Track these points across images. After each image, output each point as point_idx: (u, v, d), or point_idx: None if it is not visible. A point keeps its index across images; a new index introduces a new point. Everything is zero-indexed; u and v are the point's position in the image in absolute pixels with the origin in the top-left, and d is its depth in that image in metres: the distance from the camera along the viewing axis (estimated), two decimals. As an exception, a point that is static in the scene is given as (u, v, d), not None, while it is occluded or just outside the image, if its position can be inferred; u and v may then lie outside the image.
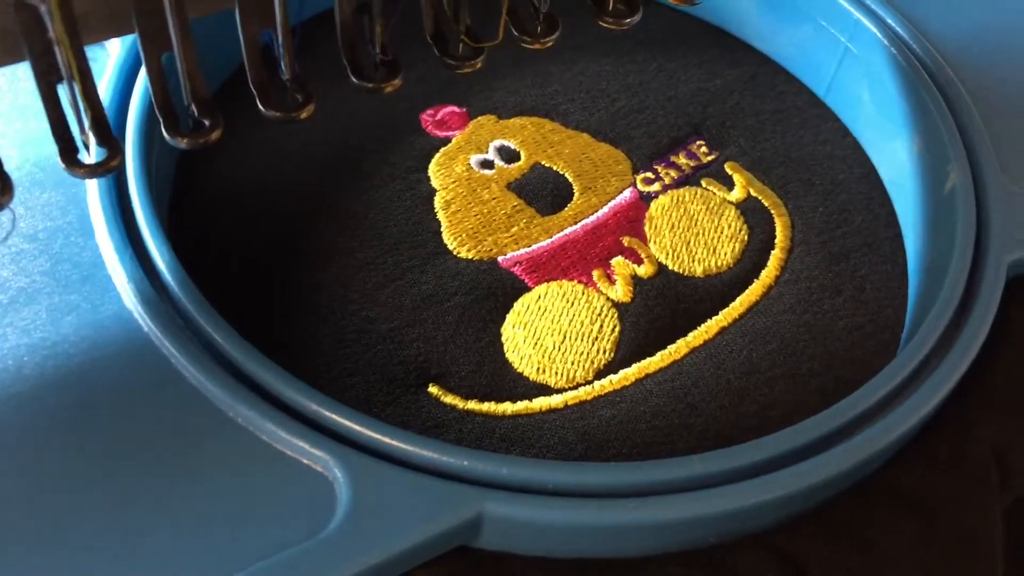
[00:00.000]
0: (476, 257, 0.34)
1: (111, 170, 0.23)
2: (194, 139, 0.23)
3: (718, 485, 0.26)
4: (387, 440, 0.25)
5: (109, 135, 0.23)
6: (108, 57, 0.34)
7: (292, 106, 0.24)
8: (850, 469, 0.26)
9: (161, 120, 0.23)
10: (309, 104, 0.24)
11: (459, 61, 0.26)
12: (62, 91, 0.22)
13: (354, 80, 0.25)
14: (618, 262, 0.34)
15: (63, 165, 0.23)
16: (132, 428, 0.26)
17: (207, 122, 0.24)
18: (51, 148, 0.31)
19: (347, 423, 0.25)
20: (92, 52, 0.34)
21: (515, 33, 0.26)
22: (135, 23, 0.22)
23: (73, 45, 0.20)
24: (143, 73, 0.33)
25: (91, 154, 0.23)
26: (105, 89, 0.33)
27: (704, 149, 0.38)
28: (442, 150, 0.37)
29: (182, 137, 0.23)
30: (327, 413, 0.26)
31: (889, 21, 0.38)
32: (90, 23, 0.22)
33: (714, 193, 0.37)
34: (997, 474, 0.28)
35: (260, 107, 0.24)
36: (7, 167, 0.31)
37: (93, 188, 0.30)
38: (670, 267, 0.34)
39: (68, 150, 0.23)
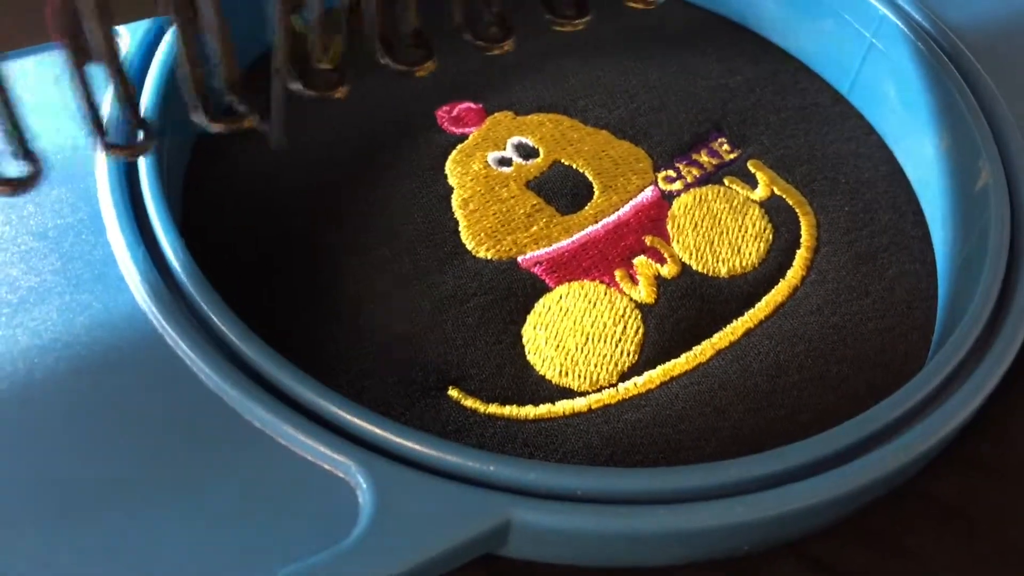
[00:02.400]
0: (495, 257, 0.33)
1: (147, 152, 0.22)
2: (229, 124, 0.23)
3: (752, 492, 0.25)
4: (411, 445, 0.24)
5: (140, 118, 0.22)
6: (121, 45, 0.33)
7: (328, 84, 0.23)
8: (887, 475, 0.26)
9: (197, 105, 0.23)
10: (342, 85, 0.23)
11: (491, 42, 0.25)
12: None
13: (386, 60, 0.24)
14: (640, 262, 0.33)
15: (101, 148, 0.22)
16: (146, 432, 0.25)
17: (240, 108, 0.23)
18: (60, 144, 0.31)
19: (370, 427, 0.25)
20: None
21: (548, 16, 0.25)
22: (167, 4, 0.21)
23: (104, 24, 0.20)
24: (155, 64, 0.32)
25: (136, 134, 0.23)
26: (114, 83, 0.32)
27: (726, 147, 0.38)
28: (459, 147, 0.36)
29: (217, 122, 0.23)
30: (349, 417, 0.25)
31: (915, 15, 0.37)
32: (121, 3, 0.21)
33: (737, 191, 0.36)
34: (1036, 480, 0.27)
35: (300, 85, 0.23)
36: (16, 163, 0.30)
37: (104, 184, 0.29)
38: (694, 267, 0.34)
39: (100, 132, 0.22)
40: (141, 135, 0.22)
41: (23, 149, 0.22)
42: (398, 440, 0.24)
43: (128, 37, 0.33)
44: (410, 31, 0.24)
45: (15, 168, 0.22)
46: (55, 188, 0.29)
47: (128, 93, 0.22)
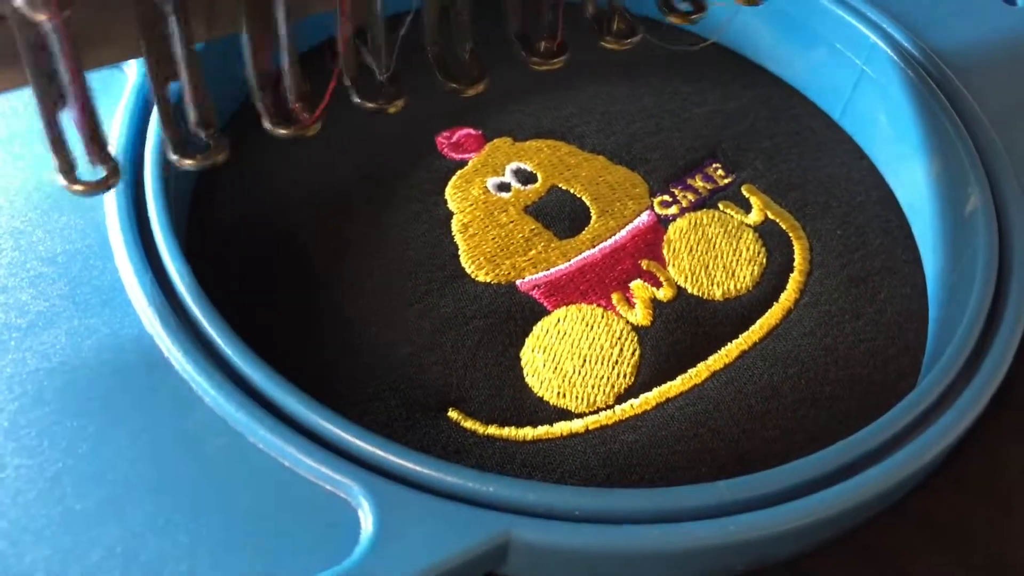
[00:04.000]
0: (494, 281, 0.34)
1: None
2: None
3: (746, 511, 0.25)
4: (412, 466, 0.25)
5: (108, 154, 0.23)
6: (127, 80, 0.34)
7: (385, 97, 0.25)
8: (880, 494, 0.26)
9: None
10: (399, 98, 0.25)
11: (544, 59, 0.26)
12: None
13: (357, 101, 0.25)
14: (637, 285, 0.34)
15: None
16: (152, 453, 0.25)
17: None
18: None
19: (372, 449, 0.25)
20: (110, 74, 0.34)
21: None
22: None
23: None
24: (161, 96, 0.33)
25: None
26: (123, 111, 0.32)
27: (720, 172, 0.38)
28: (459, 173, 0.37)
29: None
30: (351, 439, 0.25)
31: (905, 44, 0.38)
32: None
33: (732, 216, 0.37)
34: (1026, 499, 0.28)
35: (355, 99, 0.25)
36: (25, 189, 0.31)
37: (112, 211, 0.30)
38: (689, 290, 0.34)
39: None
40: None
41: (101, 153, 0.23)
42: (399, 461, 0.25)
43: (136, 67, 0.34)
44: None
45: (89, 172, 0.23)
46: (64, 215, 0.30)
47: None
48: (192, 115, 0.24)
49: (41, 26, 0.20)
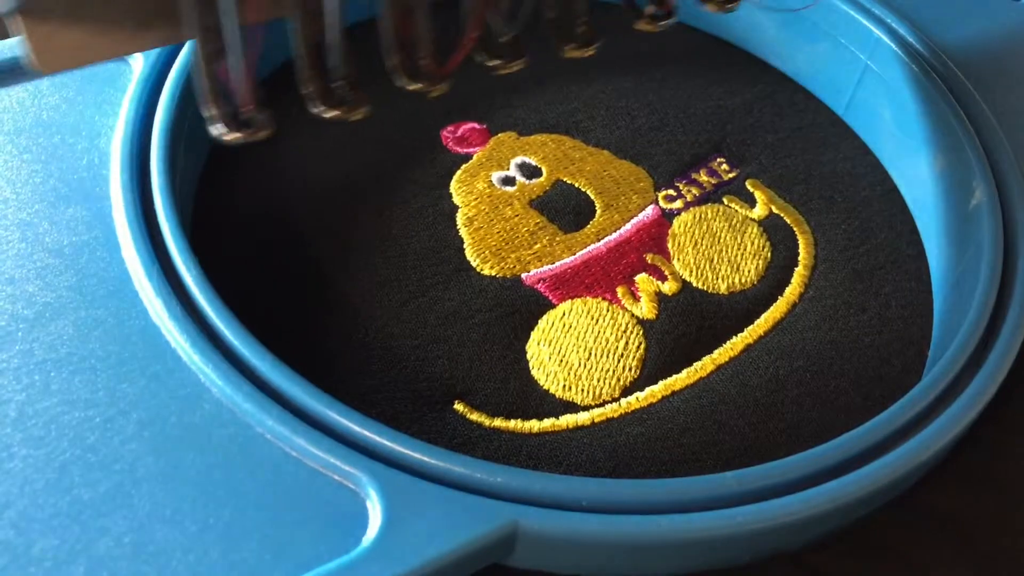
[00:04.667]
0: (499, 274, 0.34)
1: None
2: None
3: (752, 503, 0.25)
4: (420, 456, 0.25)
5: (262, 104, 0.25)
6: (132, 72, 0.34)
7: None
8: (885, 487, 0.26)
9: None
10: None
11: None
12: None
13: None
14: (642, 279, 0.34)
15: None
16: (159, 444, 0.25)
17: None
18: (76, 163, 0.31)
19: (379, 439, 0.25)
20: (116, 67, 0.34)
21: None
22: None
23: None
24: (167, 89, 0.33)
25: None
26: (128, 104, 0.32)
27: (725, 166, 0.38)
28: (463, 167, 0.37)
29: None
30: (359, 429, 0.25)
31: (909, 39, 0.38)
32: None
33: (736, 210, 0.37)
34: (1031, 492, 0.28)
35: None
36: (32, 181, 0.31)
37: (119, 203, 0.30)
38: (694, 284, 0.34)
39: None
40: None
41: (257, 103, 0.24)
42: (408, 451, 0.25)
43: (142, 61, 0.34)
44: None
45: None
46: (71, 207, 0.30)
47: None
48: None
49: None
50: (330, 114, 0.25)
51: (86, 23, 0.22)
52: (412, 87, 0.26)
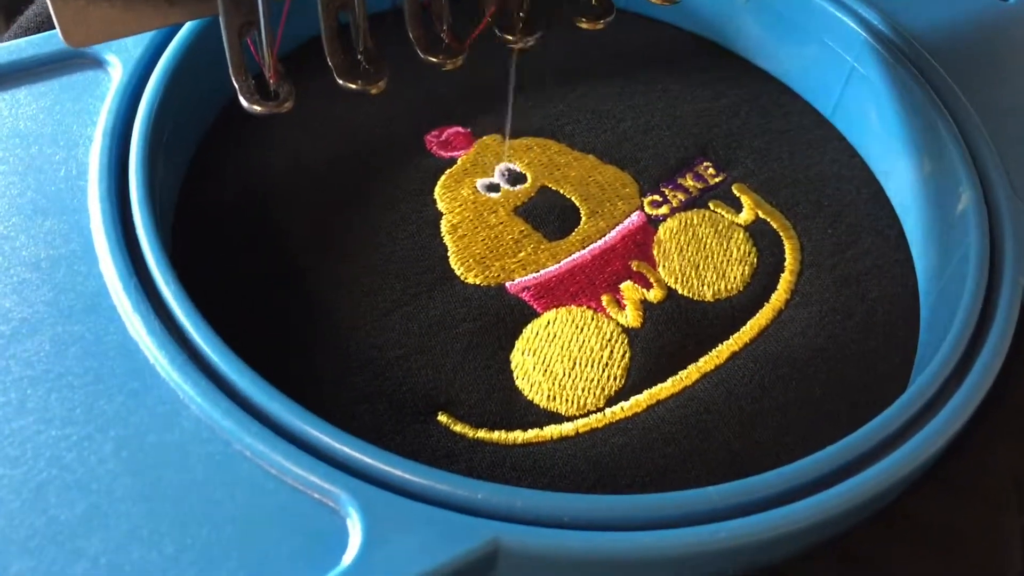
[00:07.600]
0: (484, 283, 0.34)
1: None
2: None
3: (737, 517, 0.25)
4: (400, 473, 0.25)
5: (285, 76, 0.26)
6: (110, 81, 0.33)
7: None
8: (870, 499, 0.26)
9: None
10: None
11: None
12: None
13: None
14: (627, 287, 0.34)
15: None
16: (137, 462, 0.25)
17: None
18: (53, 174, 0.31)
19: (359, 456, 0.25)
20: (94, 76, 0.34)
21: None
22: None
23: None
24: (145, 98, 0.33)
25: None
26: (106, 113, 0.32)
27: (711, 171, 0.38)
28: (448, 172, 0.37)
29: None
30: (339, 446, 0.25)
31: (896, 41, 0.38)
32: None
33: (722, 216, 0.36)
34: (1017, 500, 0.28)
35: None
36: (9, 194, 0.30)
37: (96, 216, 0.29)
38: (679, 291, 0.34)
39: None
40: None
41: (281, 74, 0.26)
42: (388, 468, 0.25)
43: (121, 68, 0.33)
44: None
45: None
46: (48, 219, 0.30)
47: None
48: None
49: None
50: (352, 86, 0.26)
51: (114, -1, 0.23)
52: (430, 59, 0.27)
